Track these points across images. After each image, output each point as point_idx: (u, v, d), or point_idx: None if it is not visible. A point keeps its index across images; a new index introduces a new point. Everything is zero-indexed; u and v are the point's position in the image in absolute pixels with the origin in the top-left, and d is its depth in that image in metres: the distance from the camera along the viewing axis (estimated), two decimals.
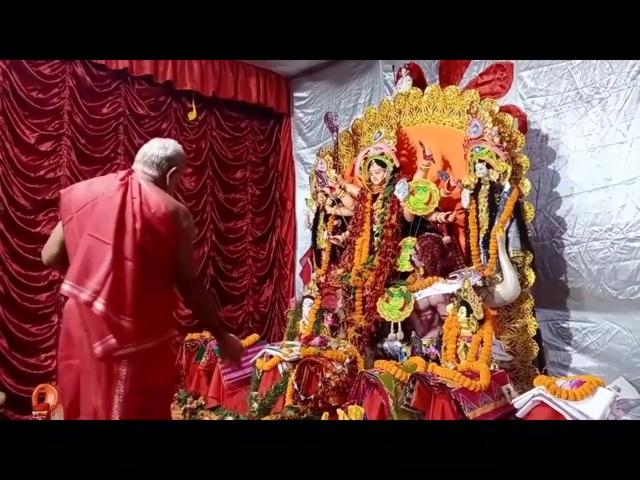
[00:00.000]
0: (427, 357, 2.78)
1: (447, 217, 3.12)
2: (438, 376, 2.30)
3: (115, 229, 1.80)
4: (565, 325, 3.28)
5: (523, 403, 2.20)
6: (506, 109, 3.30)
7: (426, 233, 3.17)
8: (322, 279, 3.59)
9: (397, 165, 3.41)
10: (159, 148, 2.06)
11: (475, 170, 3.05)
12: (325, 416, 2.60)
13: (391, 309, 2.95)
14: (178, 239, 1.90)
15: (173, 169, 2.03)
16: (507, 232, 2.90)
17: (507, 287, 2.84)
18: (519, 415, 2.20)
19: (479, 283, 2.78)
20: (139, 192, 1.86)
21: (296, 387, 2.90)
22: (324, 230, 3.85)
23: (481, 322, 2.62)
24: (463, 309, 2.64)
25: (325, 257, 3.80)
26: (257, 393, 3.08)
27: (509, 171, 2.95)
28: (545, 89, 3.39)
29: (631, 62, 3.01)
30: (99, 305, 1.73)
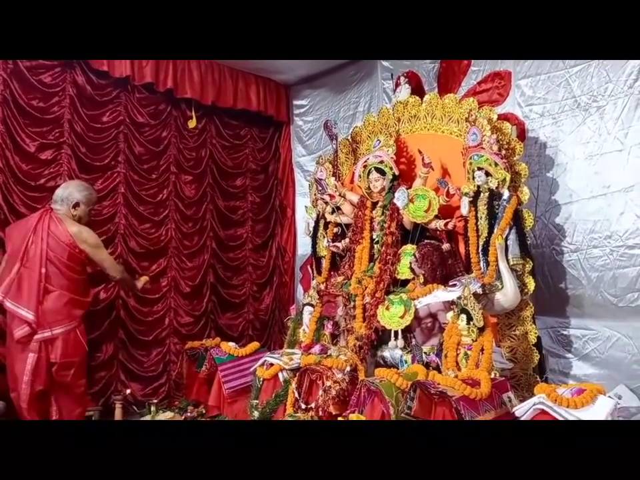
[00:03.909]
0: (427, 365, 2.77)
1: (446, 224, 3.12)
2: (438, 384, 2.29)
3: (25, 248, 2.82)
4: (565, 332, 3.28)
5: (523, 411, 2.20)
6: (504, 117, 3.32)
7: (425, 241, 3.18)
8: (322, 287, 3.59)
9: (396, 173, 3.43)
10: (62, 188, 3.10)
11: (473, 178, 3.05)
12: None
13: (391, 316, 2.95)
14: (85, 256, 2.97)
15: (74, 201, 3.03)
16: (506, 239, 2.90)
17: (506, 295, 2.84)
18: None
19: (479, 291, 2.78)
20: (48, 223, 2.89)
21: (296, 395, 2.90)
22: (324, 237, 3.85)
23: (481, 329, 2.62)
24: (463, 316, 2.64)
25: (325, 264, 3.80)
26: (257, 401, 3.07)
27: (508, 178, 2.95)
28: (543, 97, 3.40)
29: (628, 70, 3.03)
30: (7, 303, 2.78)
